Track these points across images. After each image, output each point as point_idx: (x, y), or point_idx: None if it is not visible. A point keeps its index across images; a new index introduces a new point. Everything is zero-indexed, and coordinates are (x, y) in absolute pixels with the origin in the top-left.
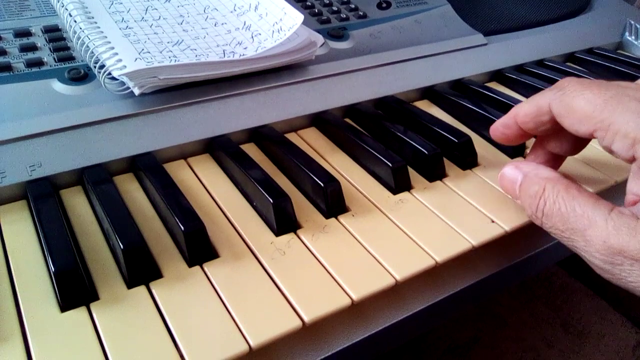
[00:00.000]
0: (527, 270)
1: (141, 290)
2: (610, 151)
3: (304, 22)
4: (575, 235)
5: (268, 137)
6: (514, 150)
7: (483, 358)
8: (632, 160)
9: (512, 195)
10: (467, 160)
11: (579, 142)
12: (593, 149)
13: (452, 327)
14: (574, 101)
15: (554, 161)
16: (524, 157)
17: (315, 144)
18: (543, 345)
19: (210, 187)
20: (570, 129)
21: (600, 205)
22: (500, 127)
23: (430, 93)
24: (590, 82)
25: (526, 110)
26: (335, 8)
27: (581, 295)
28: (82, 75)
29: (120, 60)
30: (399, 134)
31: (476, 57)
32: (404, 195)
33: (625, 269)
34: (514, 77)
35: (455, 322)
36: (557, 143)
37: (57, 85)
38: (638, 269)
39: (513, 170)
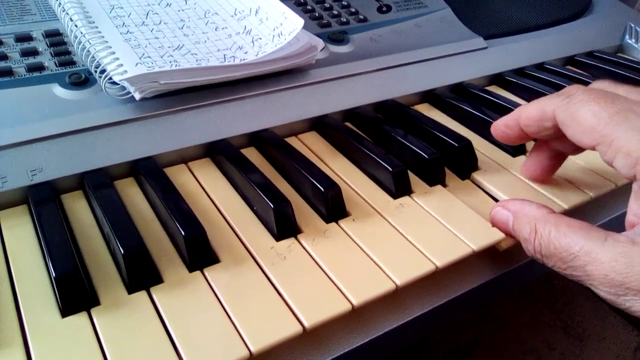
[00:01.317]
0: (528, 274)
1: (142, 295)
2: (612, 166)
3: (305, 27)
4: (577, 271)
5: (268, 142)
6: (514, 150)
7: None
8: (633, 179)
9: (508, 235)
10: (468, 164)
11: None
12: (594, 152)
13: (452, 330)
14: (580, 112)
15: (556, 158)
16: (526, 155)
17: (315, 148)
18: (544, 348)
19: (210, 192)
20: (573, 139)
21: (593, 237)
22: (502, 126)
23: (430, 97)
24: (597, 93)
25: (530, 114)
26: (335, 12)
27: (582, 298)
28: (83, 80)
29: (121, 65)
30: (399, 138)
31: (476, 60)
32: (405, 199)
33: (628, 299)
34: (514, 80)
35: (456, 325)
36: (561, 142)
37: (58, 90)
38: None
39: (502, 212)
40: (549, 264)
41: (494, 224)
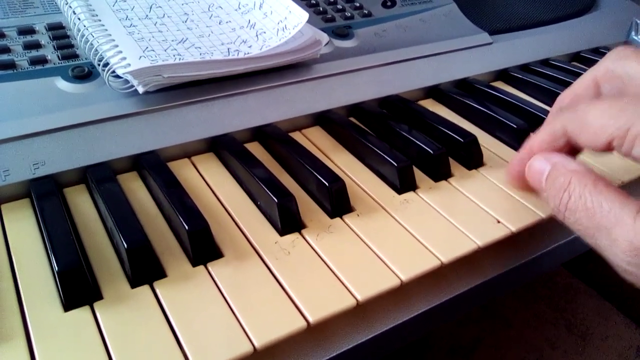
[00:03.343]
0: (533, 271)
1: (145, 289)
2: (632, 157)
3: (309, 21)
4: (600, 232)
5: (272, 136)
6: (520, 145)
7: (486, 358)
8: None
9: (537, 188)
10: (473, 159)
11: None
12: None
13: (455, 327)
14: (589, 115)
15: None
16: None
17: (319, 143)
18: (546, 346)
19: (214, 186)
20: (587, 144)
21: (628, 203)
22: (517, 164)
23: (435, 92)
24: (602, 97)
25: (541, 139)
26: (340, 6)
27: (585, 296)
28: (86, 73)
29: (124, 59)
30: (404, 133)
31: (481, 56)
32: (409, 195)
33: None
34: (519, 76)
35: (458, 323)
36: None
37: (61, 83)
38: None
39: (541, 162)
40: (570, 219)
41: (528, 173)
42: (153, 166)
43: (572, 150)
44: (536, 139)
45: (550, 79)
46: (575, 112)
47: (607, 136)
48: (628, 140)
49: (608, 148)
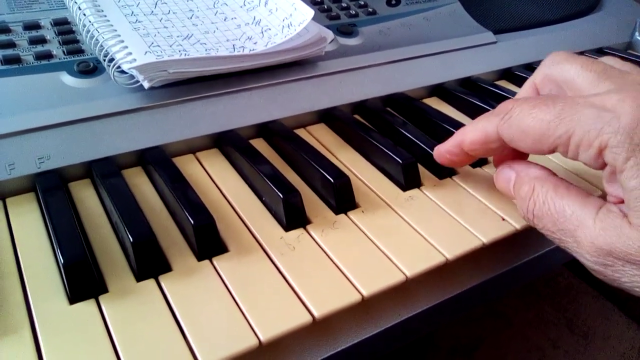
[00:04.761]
0: (537, 269)
1: (150, 283)
2: (581, 162)
3: (314, 18)
4: (566, 236)
5: (277, 133)
6: None
7: (488, 358)
8: (602, 167)
9: (508, 196)
10: None
11: None
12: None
13: (456, 327)
14: (524, 123)
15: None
16: None
17: (324, 140)
18: (548, 345)
19: (219, 182)
20: (529, 151)
21: (588, 204)
22: (446, 153)
23: (439, 90)
24: (534, 99)
25: (472, 138)
26: (344, 4)
27: (587, 296)
28: (91, 69)
29: (130, 54)
30: (408, 131)
31: (486, 55)
32: (414, 192)
33: (617, 269)
34: (523, 75)
35: (460, 322)
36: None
37: (66, 78)
38: (630, 270)
39: (506, 170)
40: (539, 225)
41: (496, 183)
42: (158, 161)
43: (506, 147)
44: (468, 136)
45: None
46: (509, 117)
47: (549, 145)
48: (572, 149)
49: (552, 152)
